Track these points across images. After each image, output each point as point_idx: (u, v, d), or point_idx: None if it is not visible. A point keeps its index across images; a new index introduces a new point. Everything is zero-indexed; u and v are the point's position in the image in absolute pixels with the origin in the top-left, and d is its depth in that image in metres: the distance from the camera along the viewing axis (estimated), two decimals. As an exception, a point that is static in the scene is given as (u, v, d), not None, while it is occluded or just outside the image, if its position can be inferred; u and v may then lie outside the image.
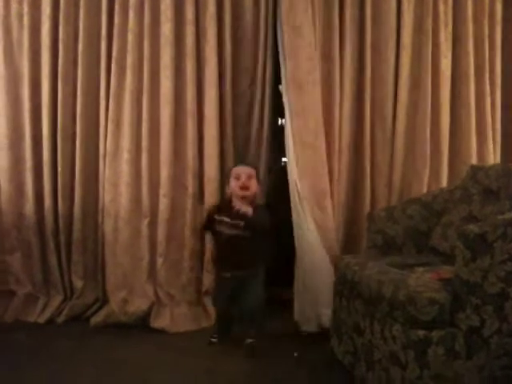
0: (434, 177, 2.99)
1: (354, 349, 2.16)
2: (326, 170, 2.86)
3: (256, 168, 2.71)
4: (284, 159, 3.21)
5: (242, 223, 2.48)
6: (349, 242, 3.03)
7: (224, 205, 2.64)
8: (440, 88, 3.01)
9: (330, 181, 2.91)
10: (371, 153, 3.01)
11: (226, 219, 2.53)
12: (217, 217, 2.56)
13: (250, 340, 2.51)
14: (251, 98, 3.05)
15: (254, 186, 2.58)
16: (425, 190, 2.92)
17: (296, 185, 2.80)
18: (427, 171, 2.96)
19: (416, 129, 3.00)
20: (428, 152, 2.96)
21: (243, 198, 2.54)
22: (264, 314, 2.58)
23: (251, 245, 2.51)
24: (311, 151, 2.83)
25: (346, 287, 2.25)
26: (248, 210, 2.43)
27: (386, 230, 2.50)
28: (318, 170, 2.84)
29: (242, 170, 2.60)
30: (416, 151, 2.99)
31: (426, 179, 2.95)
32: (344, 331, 2.28)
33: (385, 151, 3.01)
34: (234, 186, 2.58)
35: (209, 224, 2.62)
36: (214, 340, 2.64)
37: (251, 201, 2.56)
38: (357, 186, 3.03)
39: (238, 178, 2.57)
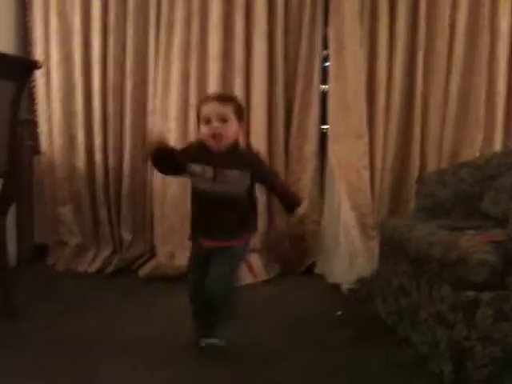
0: (487, 141, 2.91)
1: (399, 309, 2.16)
2: (364, 132, 2.84)
3: (233, 100, 1.92)
4: (325, 126, 3.16)
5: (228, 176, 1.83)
6: (396, 205, 3.01)
7: (197, 146, 1.92)
8: (497, 47, 2.89)
9: (372, 144, 2.89)
10: (422, 116, 2.95)
11: (198, 168, 1.85)
12: (191, 165, 1.86)
13: (208, 340, 1.90)
14: (299, 56, 3.01)
15: (231, 130, 1.83)
16: (477, 154, 2.85)
17: (332, 147, 2.81)
18: (480, 135, 2.88)
19: (470, 90, 2.91)
20: (482, 115, 2.87)
21: (217, 149, 1.84)
22: (233, 304, 1.95)
23: (239, 206, 1.89)
24: (349, 113, 2.81)
25: (392, 248, 2.24)
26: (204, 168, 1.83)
27: (435, 194, 2.45)
28: (355, 133, 2.82)
29: (213, 110, 1.82)
30: (469, 114, 2.92)
31: (478, 143, 2.88)
32: (389, 292, 2.28)
33: (436, 114, 2.94)
34: (203, 132, 1.84)
35: (166, 162, 1.90)
36: (203, 343, 1.92)
37: (232, 148, 1.86)
38: (405, 150, 2.99)
39: (207, 121, 1.81)
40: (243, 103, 2.91)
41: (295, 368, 1.88)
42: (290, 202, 1.97)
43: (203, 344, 1.90)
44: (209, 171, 1.82)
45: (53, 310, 2.41)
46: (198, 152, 1.88)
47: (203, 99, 1.95)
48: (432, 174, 2.56)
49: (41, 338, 2.09)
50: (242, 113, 1.91)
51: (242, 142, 1.99)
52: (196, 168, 1.85)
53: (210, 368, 1.85)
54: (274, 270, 3.09)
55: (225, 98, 1.92)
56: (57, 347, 2.01)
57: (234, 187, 1.84)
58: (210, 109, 1.83)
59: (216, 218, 1.85)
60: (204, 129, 1.83)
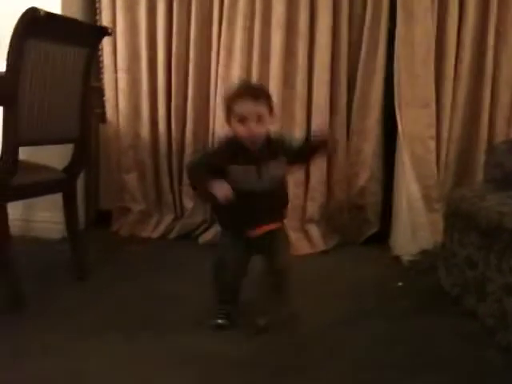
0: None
1: (464, 281, 2.13)
2: (431, 100, 2.76)
3: (266, 94, 1.87)
4: None
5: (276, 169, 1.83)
6: (462, 177, 2.93)
7: (233, 145, 1.83)
8: None
9: (439, 113, 2.81)
10: (492, 84, 2.83)
11: (241, 167, 1.79)
12: (231, 167, 1.78)
13: (262, 321, 1.91)
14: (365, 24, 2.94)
15: (266, 128, 1.80)
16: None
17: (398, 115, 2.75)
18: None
19: (545, 57, 2.77)
20: (556, 82, 2.74)
21: (253, 142, 1.79)
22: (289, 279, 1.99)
23: (280, 189, 1.91)
24: (417, 81, 2.74)
25: (459, 219, 2.19)
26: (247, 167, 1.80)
27: (505, 164, 2.36)
28: (422, 101, 2.75)
29: (250, 110, 1.75)
30: (545, 81, 2.78)
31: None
32: (453, 264, 2.24)
33: (508, 82, 2.82)
34: (238, 131, 1.78)
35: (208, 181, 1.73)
36: (221, 322, 1.91)
37: (265, 141, 1.83)
38: (474, 119, 2.89)
39: (242, 121, 1.76)
40: (306, 71, 2.92)
41: (357, 337, 1.89)
42: (320, 146, 1.98)
43: (222, 322, 1.91)
44: (252, 171, 1.79)
45: (120, 271, 2.53)
46: (234, 152, 1.81)
47: (236, 95, 1.83)
48: (502, 143, 2.47)
49: (111, 296, 2.20)
50: (273, 108, 1.84)
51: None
52: (238, 170, 1.78)
53: (270, 336, 1.89)
54: (333, 241, 3.08)
55: (259, 94, 1.83)
56: (127, 304, 2.12)
57: (277, 176, 1.85)
58: (246, 108, 1.76)
59: (264, 208, 1.83)
60: (239, 128, 1.78)
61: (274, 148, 1.85)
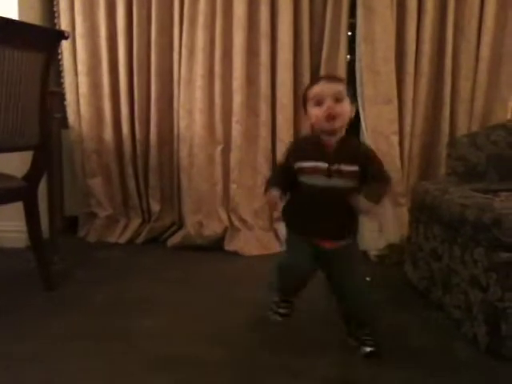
0: (521, 103, 2.83)
1: (430, 274, 2.15)
2: (393, 96, 2.80)
3: (343, 80, 1.79)
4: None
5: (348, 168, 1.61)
6: (426, 171, 2.97)
7: (306, 142, 1.76)
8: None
9: (401, 109, 2.84)
10: (452, 78, 2.88)
11: (311, 163, 1.63)
12: (298, 164, 1.65)
13: (368, 349, 1.72)
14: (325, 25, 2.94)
15: (345, 111, 1.61)
16: (509, 116, 2.79)
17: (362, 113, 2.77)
18: (512, 96, 2.81)
19: (502, 51, 2.83)
20: (515, 76, 2.79)
21: (332, 132, 1.62)
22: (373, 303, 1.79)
23: (345, 205, 1.59)
24: (378, 77, 2.77)
25: (424, 213, 2.22)
26: (317, 164, 1.62)
27: (467, 157, 2.41)
28: (384, 97, 2.78)
29: (326, 89, 1.61)
30: (501, 75, 2.84)
31: (510, 105, 2.81)
32: (420, 257, 2.27)
33: (467, 76, 2.87)
34: (315, 115, 1.62)
35: (283, 179, 1.68)
36: (283, 311, 1.82)
37: (345, 140, 1.65)
38: (435, 114, 2.93)
39: (319, 102, 1.60)
40: (269, 70, 2.92)
41: (327, 333, 1.90)
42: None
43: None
44: (322, 167, 1.60)
45: (89, 278, 2.48)
46: (308, 148, 1.67)
47: (311, 82, 1.72)
48: (463, 137, 2.51)
49: (82, 303, 2.16)
50: (350, 95, 1.66)
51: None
52: (306, 165, 1.63)
53: (247, 325, 1.91)
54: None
55: (336, 76, 1.78)
56: (98, 311, 2.07)
57: (348, 182, 1.60)
58: (322, 88, 1.62)
59: (330, 214, 1.63)
60: (315, 111, 1.61)
61: (353, 152, 1.63)
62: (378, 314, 1.81)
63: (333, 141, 1.62)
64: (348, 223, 1.68)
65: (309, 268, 1.70)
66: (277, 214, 3.04)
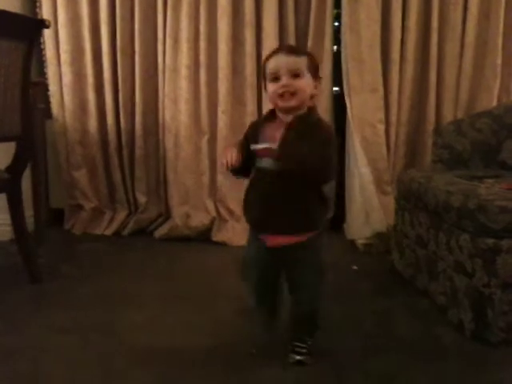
0: (505, 90, 2.84)
1: (416, 261, 2.16)
2: (379, 85, 2.80)
3: (306, 53, 1.52)
4: (335, 88, 3.10)
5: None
6: (412, 160, 2.98)
7: (263, 122, 1.54)
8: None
9: (387, 97, 2.84)
10: (437, 66, 2.88)
11: (261, 145, 1.48)
12: (252, 146, 1.50)
13: (297, 357, 1.59)
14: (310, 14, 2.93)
15: (304, 87, 1.44)
16: (494, 103, 2.79)
17: (348, 102, 2.77)
18: (497, 84, 2.81)
19: (487, 39, 2.82)
20: (499, 63, 2.79)
21: (288, 110, 1.45)
22: (318, 312, 1.62)
23: (299, 195, 1.45)
24: (364, 66, 2.77)
25: (409, 200, 2.22)
26: (268, 145, 1.45)
27: (452, 145, 2.42)
28: (370, 86, 2.78)
29: (283, 64, 1.42)
30: (486, 63, 2.83)
31: (495, 92, 2.81)
32: (406, 245, 2.28)
33: (452, 63, 2.86)
34: (271, 91, 1.45)
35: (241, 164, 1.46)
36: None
37: (304, 117, 1.45)
38: (421, 102, 2.93)
39: (275, 77, 1.43)
40: (254, 59, 2.90)
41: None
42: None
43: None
44: (274, 149, 1.43)
45: (76, 271, 2.46)
46: (263, 129, 1.50)
47: (269, 53, 1.50)
48: (449, 124, 2.52)
49: (68, 296, 2.14)
50: (318, 70, 1.50)
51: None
52: (259, 147, 1.47)
53: (233, 315, 1.89)
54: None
55: (296, 49, 1.57)
56: (84, 305, 2.05)
57: (301, 166, 1.38)
58: (278, 62, 1.43)
59: (274, 204, 1.46)
60: (271, 87, 1.44)
61: (308, 131, 1.43)
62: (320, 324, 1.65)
63: (289, 120, 1.45)
64: (301, 215, 1.47)
65: (264, 267, 1.56)
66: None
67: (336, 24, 3.01)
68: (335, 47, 3.03)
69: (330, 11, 2.88)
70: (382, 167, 2.84)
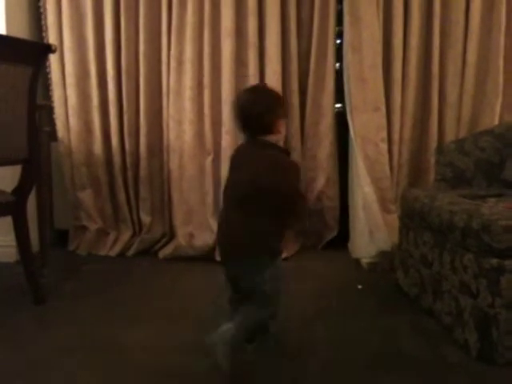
0: (507, 108, 2.85)
1: (421, 281, 2.16)
2: (381, 104, 2.81)
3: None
4: (338, 105, 3.12)
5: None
6: (415, 178, 2.99)
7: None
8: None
9: (389, 116, 2.86)
10: (439, 84, 2.90)
11: None
12: None
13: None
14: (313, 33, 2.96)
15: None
16: (496, 122, 2.80)
17: (350, 121, 2.79)
18: (499, 102, 2.82)
19: (489, 57, 2.84)
20: (501, 82, 2.81)
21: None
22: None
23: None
24: (366, 85, 2.78)
25: (413, 220, 2.22)
26: None
27: (455, 163, 2.42)
28: (372, 105, 2.80)
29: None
30: (488, 81, 2.85)
31: (497, 111, 2.82)
32: (410, 264, 2.27)
33: (454, 82, 2.89)
34: (283, 130, 1.70)
35: None
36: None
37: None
38: (423, 120, 2.95)
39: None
40: (257, 79, 2.92)
41: (324, 337, 1.91)
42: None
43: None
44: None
45: (79, 291, 2.47)
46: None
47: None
48: (451, 143, 2.53)
49: (72, 316, 2.15)
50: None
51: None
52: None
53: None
54: (294, 247, 3.08)
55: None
56: (87, 324, 2.06)
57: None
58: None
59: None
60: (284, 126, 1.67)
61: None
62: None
63: None
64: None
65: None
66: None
67: (338, 41, 3.04)
68: (337, 64, 3.06)
69: (332, 30, 2.93)
70: (386, 186, 2.84)
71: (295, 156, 2.97)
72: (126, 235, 3.17)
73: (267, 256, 1.58)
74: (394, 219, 2.78)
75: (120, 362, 1.73)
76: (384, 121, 2.85)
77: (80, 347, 1.84)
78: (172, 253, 2.99)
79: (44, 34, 3.11)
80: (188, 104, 2.99)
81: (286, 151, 1.74)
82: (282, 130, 1.64)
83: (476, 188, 2.36)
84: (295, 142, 3.03)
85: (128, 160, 3.12)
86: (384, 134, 2.84)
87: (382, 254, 2.75)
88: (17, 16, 3.01)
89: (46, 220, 2.88)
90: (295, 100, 3.01)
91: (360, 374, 1.65)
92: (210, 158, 3.05)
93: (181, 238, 3.03)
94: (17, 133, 2.16)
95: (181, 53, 2.98)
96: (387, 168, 2.85)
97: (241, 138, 2.95)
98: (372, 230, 2.79)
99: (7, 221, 2.25)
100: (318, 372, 1.65)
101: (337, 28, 2.99)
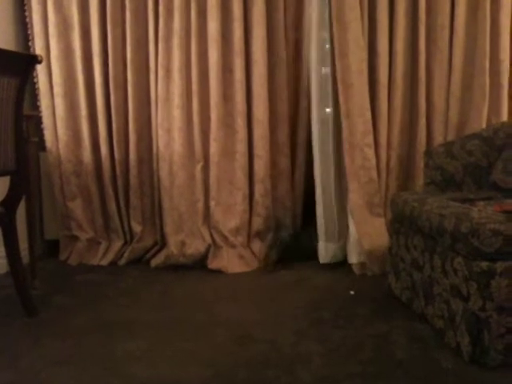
0: (494, 111, 2.87)
1: (412, 285, 2.17)
2: (367, 110, 2.83)
3: None
4: (327, 109, 3.11)
5: None
6: (405, 181, 3.00)
7: None
8: (499, 15, 2.83)
9: (376, 121, 2.88)
10: (426, 88, 2.92)
11: None
12: None
13: None
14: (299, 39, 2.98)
15: None
16: (484, 125, 2.82)
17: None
18: (486, 105, 2.84)
19: (474, 60, 2.86)
20: (487, 84, 2.83)
21: None
22: None
23: None
24: (351, 90, 2.80)
25: (403, 224, 2.23)
26: None
27: (444, 167, 2.44)
28: (358, 110, 2.81)
29: None
30: (474, 84, 2.87)
31: (484, 113, 2.84)
32: (402, 268, 2.28)
33: (441, 86, 2.90)
34: None
35: None
36: None
37: None
38: (411, 125, 2.96)
39: None
40: (244, 86, 2.93)
41: (319, 342, 1.91)
42: None
43: None
44: None
45: (70, 302, 2.45)
46: None
47: None
48: (440, 147, 2.54)
49: (63, 327, 2.13)
50: None
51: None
52: None
53: (231, 343, 1.89)
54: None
55: None
56: (79, 336, 2.04)
57: None
58: None
59: None
60: None
61: None
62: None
63: None
64: None
65: None
66: (253, 231, 3.06)
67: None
68: (323, 69, 3.06)
69: (319, 35, 2.91)
70: (373, 190, 2.84)
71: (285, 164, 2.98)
72: (117, 244, 3.16)
73: None
74: (382, 223, 2.79)
75: (112, 373, 1.72)
76: (369, 126, 2.84)
77: (72, 359, 1.83)
78: (164, 261, 2.98)
79: (30, 44, 3.09)
80: (177, 112, 2.99)
81: None
82: None
83: (465, 191, 2.37)
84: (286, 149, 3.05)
85: (118, 169, 3.10)
86: (369, 139, 2.84)
87: (372, 259, 2.75)
88: (2, 25, 3.00)
89: (35, 231, 2.86)
90: (283, 107, 3.03)
91: (353, 380, 1.64)
92: (199, 166, 3.04)
93: (172, 247, 3.02)
94: (4, 144, 2.14)
95: (168, 61, 2.97)
96: (373, 173, 2.85)
97: (229, 146, 3.01)
98: (360, 234, 2.79)
99: (-5, 232, 2.23)
100: (305, 381, 1.65)
101: (324, 33, 2.99)
